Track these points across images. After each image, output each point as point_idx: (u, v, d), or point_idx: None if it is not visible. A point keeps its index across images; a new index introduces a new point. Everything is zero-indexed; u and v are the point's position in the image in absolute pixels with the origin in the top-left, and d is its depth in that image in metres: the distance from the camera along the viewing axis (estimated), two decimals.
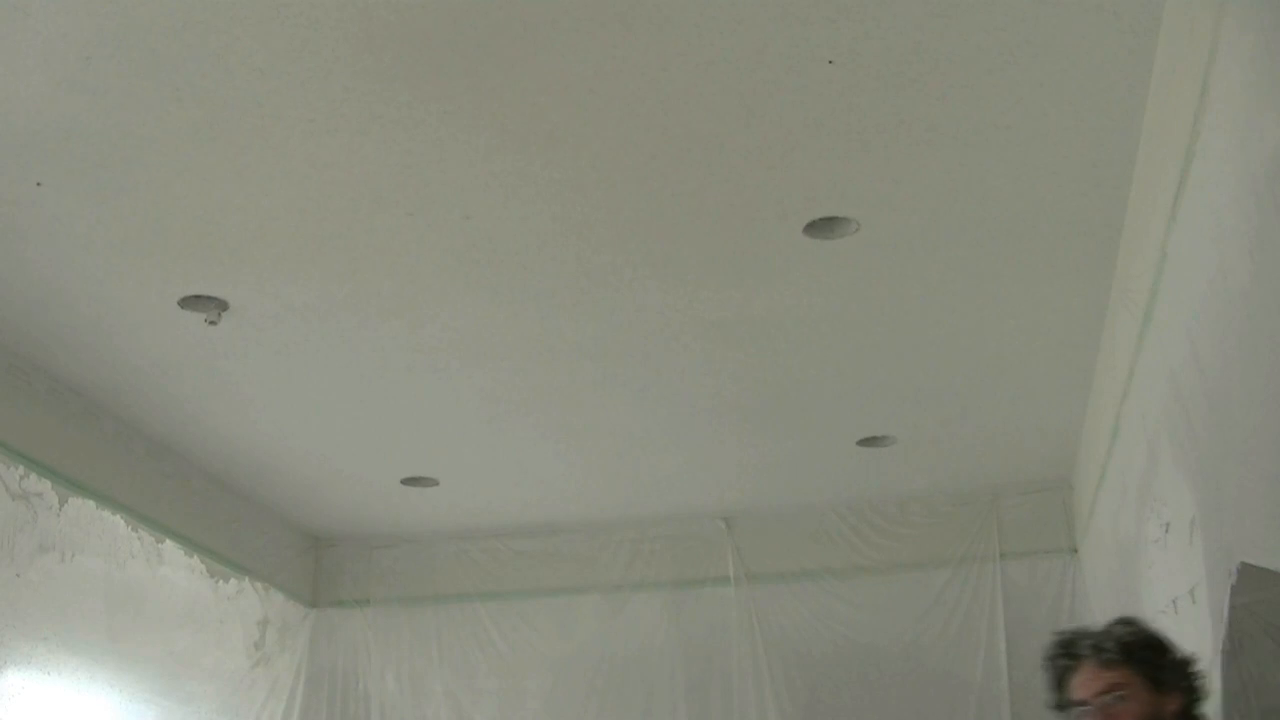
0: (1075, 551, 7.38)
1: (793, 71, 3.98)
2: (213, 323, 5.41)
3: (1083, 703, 3.11)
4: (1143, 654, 3.13)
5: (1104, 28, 3.79)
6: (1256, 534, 3.32)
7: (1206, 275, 3.52)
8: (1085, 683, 3.13)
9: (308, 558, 8.41)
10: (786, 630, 7.70)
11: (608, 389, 6.26)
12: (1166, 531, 4.48)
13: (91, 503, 6.25)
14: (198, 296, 5.33)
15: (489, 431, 6.78)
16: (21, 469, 5.81)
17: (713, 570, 7.97)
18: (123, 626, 6.39)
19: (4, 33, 3.79)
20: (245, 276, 5.22)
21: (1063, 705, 3.20)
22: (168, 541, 6.81)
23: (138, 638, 6.48)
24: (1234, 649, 3.63)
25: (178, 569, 6.92)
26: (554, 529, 8.17)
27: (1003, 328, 5.68)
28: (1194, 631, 4.18)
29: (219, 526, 7.33)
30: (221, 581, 7.35)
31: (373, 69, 3.96)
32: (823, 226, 4.82)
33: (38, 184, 4.53)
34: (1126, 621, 3.29)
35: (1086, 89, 4.06)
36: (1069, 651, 3.20)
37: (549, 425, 6.72)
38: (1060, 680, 3.21)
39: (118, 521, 6.43)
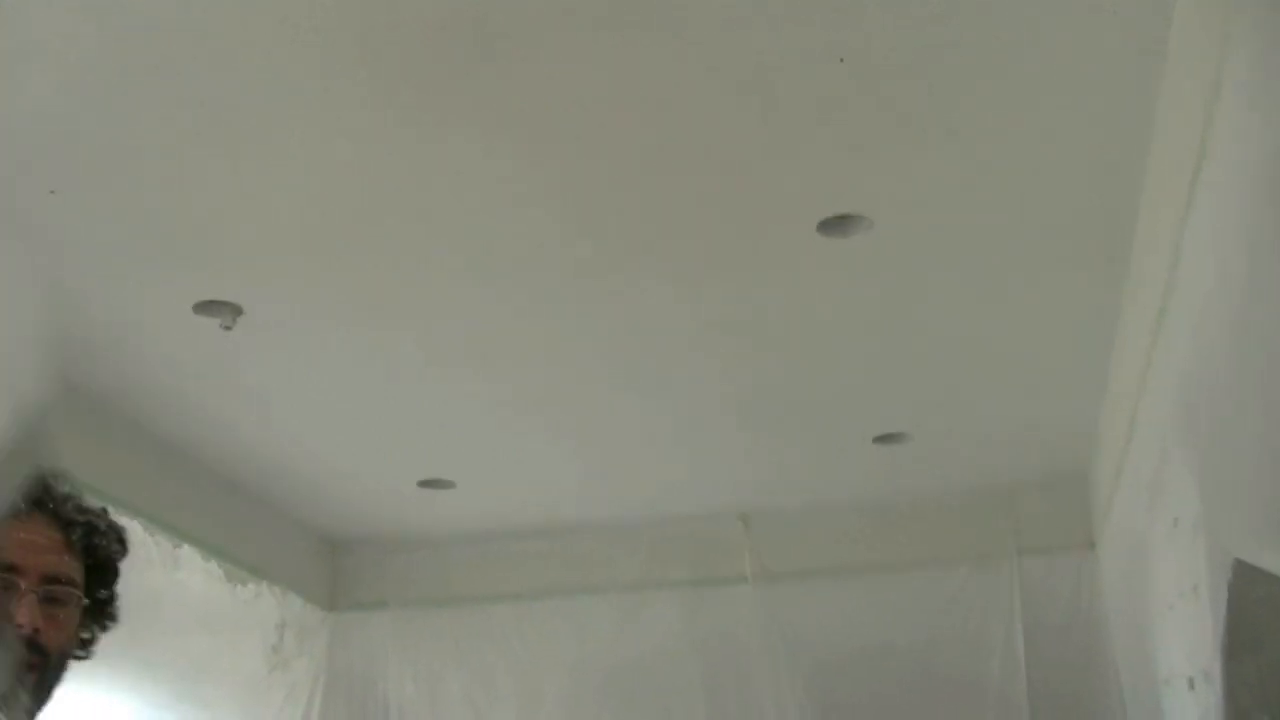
0: (1093, 547, 7.36)
1: (803, 69, 3.97)
2: (227, 328, 5.41)
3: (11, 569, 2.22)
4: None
5: (1115, 24, 3.78)
6: (1254, 531, 3.31)
7: (1214, 272, 3.52)
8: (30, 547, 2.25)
9: (324, 561, 8.42)
10: (804, 629, 7.69)
11: (621, 390, 6.26)
12: (1175, 526, 4.47)
13: (107, 508, 6.25)
14: (212, 302, 5.33)
15: (503, 434, 6.79)
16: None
17: (729, 569, 7.96)
18: (141, 631, 6.37)
19: (11, 38, 3.79)
20: (259, 282, 5.24)
21: None
22: (185, 546, 6.82)
23: (156, 642, 6.47)
24: (1253, 643, 3.62)
25: (195, 573, 6.91)
26: (570, 530, 8.17)
27: (1018, 322, 5.67)
28: (1198, 626, 4.17)
29: (236, 531, 7.33)
30: (239, 585, 7.35)
31: (381, 73, 3.96)
32: (835, 224, 4.81)
33: (51, 191, 4.53)
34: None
35: (1098, 84, 4.05)
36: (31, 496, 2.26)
37: (563, 427, 6.73)
38: None
39: (134, 527, 6.41)
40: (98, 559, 2.34)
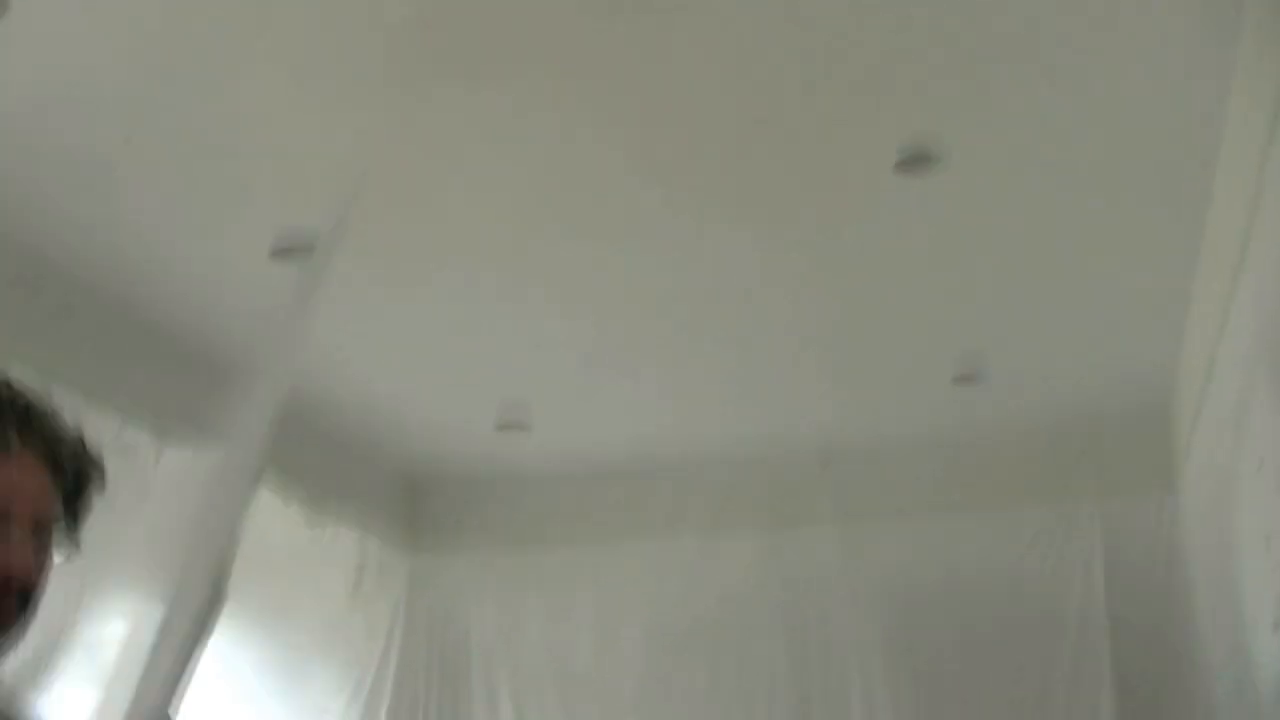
0: (1174, 487, 7.26)
1: (878, 6, 3.93)
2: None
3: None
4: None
5: None
6: None
7: None
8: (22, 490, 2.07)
9: (403, 503, 8.41)
10: (883, 570, 7.64)
11: (699, 331, 6.26)
12: (1260, 468, 4.41)
13: (188, 452, 6.28)
14: (289, 248, 5.33)
15: (581, 375, 6.80)
16: (118, 420, 5.85)
17: (809, 510, 7.90)
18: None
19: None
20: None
21: None
22: (264, 490, 6.83)
23: (238, 585, 6.51)
24: None
25: (274, 516, 6.92)
26: (648, 472, 8.13)
27: (1097, 257, 5.61)
28: None
29: (315, 474, 7.33)
30: (318, 528, 7.37)
31: (463, 24, 3.96)
32: (912, 163, 4.76)
33: (126, 140, 4.56)
34: None
35: (1180, 11, 3.98)
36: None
37: (640, 368, 6.72)
38: None
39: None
40: (80, 497, 2.25)
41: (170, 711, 4.29)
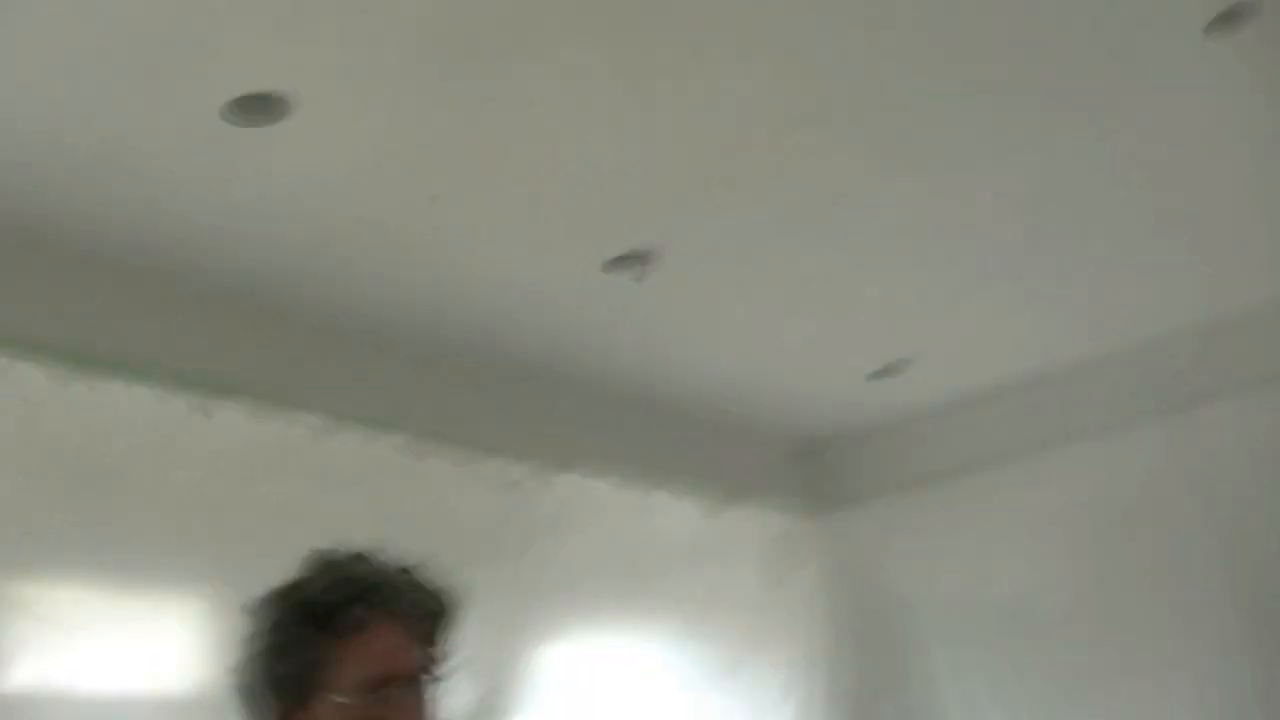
0: None
1: None
2: (638, 279, 5.46)
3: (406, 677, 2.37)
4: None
5: None
6: None
7: None
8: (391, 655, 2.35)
9: (794, 469, 8.38)
10: None
11: (1054, 238, 6.11)
12: None
13: (575, 476, 6.39)
14: (621, 257, 5.41)
15: (945, 306, 6.70)
16: (500, 460, 5.98)
17: (1206, 385, 7.54)
18: (634, 586, 6.53)
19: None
20: (664, 223, 5.33)
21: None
22: (657, 492, 6.90)
23: (652, 591, 6.61)
24: None
25: (672, 516, 7.01)
26: (1032, 382, 7.91)
27: None
28: None
29: (700, 462, 7.40)
30: (717, 516, 7.43)
31: None
32: (1224, 20, 4.53)
33: (432, 199, 4.70)
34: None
35: None
36: (362, 596, 2.35)
37: (1005, 285, 6.58)
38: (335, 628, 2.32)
39: (603, 487, 6.54)
40: (435, 642, 2.48)
41: None
